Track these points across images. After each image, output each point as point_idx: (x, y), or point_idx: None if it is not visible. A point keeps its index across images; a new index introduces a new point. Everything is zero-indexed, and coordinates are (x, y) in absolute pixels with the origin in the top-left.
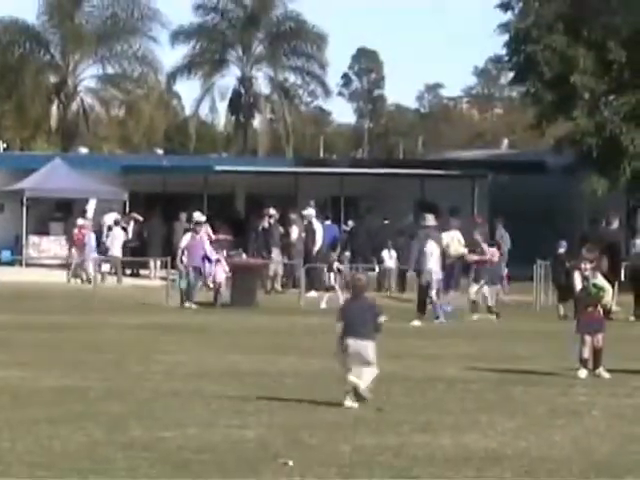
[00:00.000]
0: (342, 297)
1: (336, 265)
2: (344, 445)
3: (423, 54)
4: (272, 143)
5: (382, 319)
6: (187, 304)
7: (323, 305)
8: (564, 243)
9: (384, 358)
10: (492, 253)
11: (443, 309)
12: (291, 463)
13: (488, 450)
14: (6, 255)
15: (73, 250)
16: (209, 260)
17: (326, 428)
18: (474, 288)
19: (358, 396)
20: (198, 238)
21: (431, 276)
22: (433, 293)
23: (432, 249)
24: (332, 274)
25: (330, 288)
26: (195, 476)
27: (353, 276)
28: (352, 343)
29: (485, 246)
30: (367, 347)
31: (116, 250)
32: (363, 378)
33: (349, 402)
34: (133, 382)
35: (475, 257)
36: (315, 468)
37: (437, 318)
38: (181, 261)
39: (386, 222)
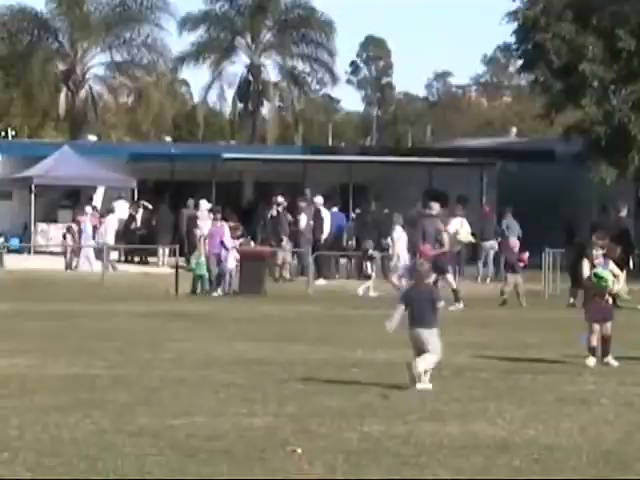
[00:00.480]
0: (373, 285)
1: (370, 252)
2: (352, 433)
3: (432, 42)
4: (280, 131)
5: (441, 304)
6: (215, 293)
7: (372, 293)
8: (577, 231)
9: (393, 345)
10: (513, 243)
11: None
12: (299, 451)
13: (496, 438)
14: (14, 242)
15: (68, 237)
16: (225, 248)
17: (334, 416)
18: (450, 278)
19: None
20: (219, 225)
21: (395, 262)
22: (394, 278)
23: (398, 235)
24: (369, 262)
25: (368, 276)
26: (204, 464)
27: (417, 262)
28: (419, 333)
29: (446, 236)
30: (432, 334)
31: (109, 238)
32: (422, 363)
33: (420, 385)
34: (141, 370)
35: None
36: (323, 455)
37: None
38: (195, 249)
39: (386, 211)
